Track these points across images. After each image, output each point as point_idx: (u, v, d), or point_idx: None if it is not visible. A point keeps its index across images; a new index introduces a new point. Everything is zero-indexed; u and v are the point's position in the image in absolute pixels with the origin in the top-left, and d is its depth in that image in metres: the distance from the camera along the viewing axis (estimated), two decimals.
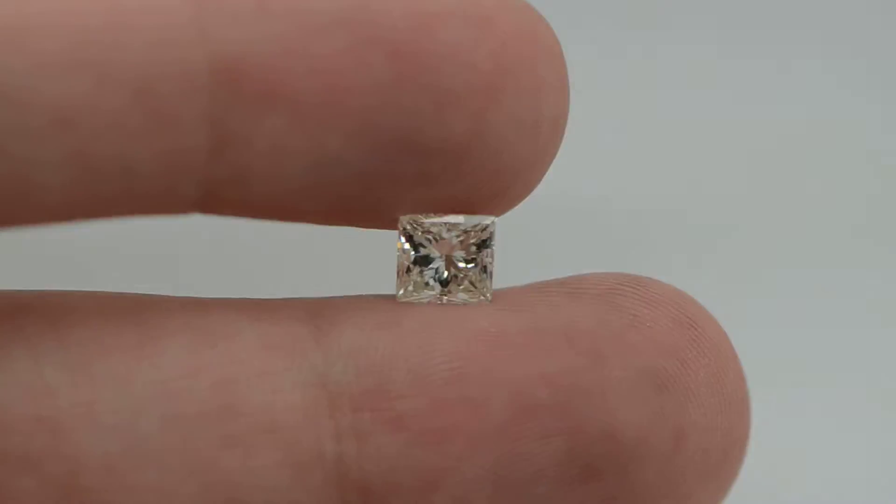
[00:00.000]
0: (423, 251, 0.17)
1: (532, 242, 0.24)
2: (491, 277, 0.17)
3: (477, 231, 0.17)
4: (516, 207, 0.17)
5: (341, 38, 0.15)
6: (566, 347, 0.16)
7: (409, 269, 0.17)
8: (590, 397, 0.16)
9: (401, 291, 0.17)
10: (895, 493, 0.23)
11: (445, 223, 0.17)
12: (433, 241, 0.17)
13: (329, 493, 0.16)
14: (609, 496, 0.16)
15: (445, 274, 0.17)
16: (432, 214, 0.17)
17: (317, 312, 0.17)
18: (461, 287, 0.17)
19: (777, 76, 0.28)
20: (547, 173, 0.17)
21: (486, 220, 0.17)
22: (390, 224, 0.17)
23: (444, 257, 0.17)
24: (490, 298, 0.17)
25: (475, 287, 0.17)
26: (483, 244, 0.17)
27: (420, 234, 0.17)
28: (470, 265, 0.17)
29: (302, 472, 0.16)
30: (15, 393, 0.16)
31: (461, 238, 0.17)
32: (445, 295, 0.17)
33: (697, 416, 0.16)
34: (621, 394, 0.16)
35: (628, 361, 0.16)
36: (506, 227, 0.18)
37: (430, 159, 0.16)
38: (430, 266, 0.17)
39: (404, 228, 0.17)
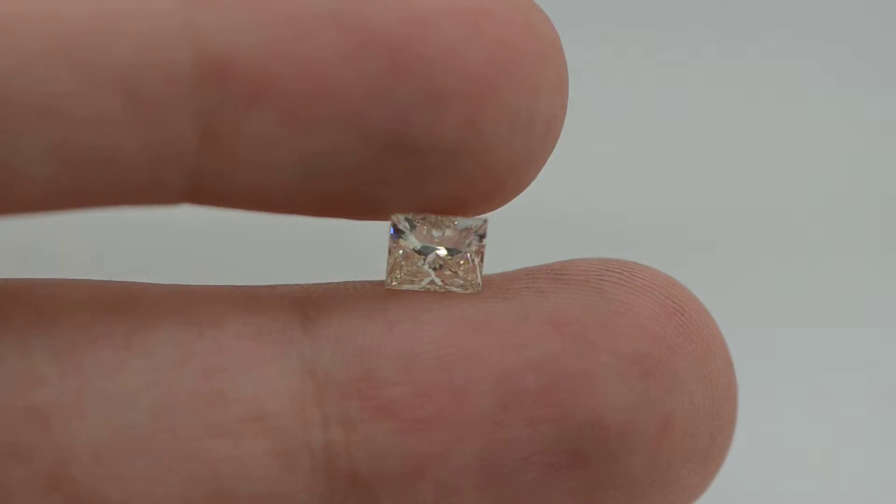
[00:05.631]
0: (413, 246, 0.17)
1: (523, 238, 0.24)
2: (481, 271, 0.17)
3: (469, 231, 0.17)
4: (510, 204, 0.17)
5: (332, 34, 0.15)
6: (553, 334, 0.16)
7: (398, 262, 0.17)
8: (577, 384, 0.16)
9: (393, 283, 0.17)
10: (887, 484, 0.23)
11: (438, 224, 0.17)
12: (424, 236, 0.17)
13: (317, 481, 0.16)
14: (596, 482, 0.16)
15: (435, 268, 0.17)
16: (425, 215, 0.17)
17: (305, 300, 0.17)
18: (450, 278, 0.17)
19: (773, 79, 0.28)
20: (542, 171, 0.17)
21: (479, 220, 0.17)
22: (381, 216, 0.17)
23: (434, 252, 0.17)
24: (480, 289, 0.17)
25: (464, 279, 0.17)
26: (474, 241, 0.17)
27: (411, 230, 0.17)
28: (461, 261, 0.17)
29: (290, 460, 0.16)
30: (4, 382, 0.16)
31: (453, 237, 0.17)
32: (434, 286, 0.17)
33: (684, 402, 0.16)
34: (608, 380, 0.16)
35: (615, 348, 0.16)
36: (498, 222, 0.18)
37: (423, 157, 0.16)
38: (420, 260, 0.17)
39: (395, 224, 0.17)
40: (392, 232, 0.17)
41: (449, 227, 0.17)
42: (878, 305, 0.27)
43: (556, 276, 0.17)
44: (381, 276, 0.17)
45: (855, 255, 0.27)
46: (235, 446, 0.16)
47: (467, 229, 0.17)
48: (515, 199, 0.17)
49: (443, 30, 0.15)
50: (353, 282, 0.17)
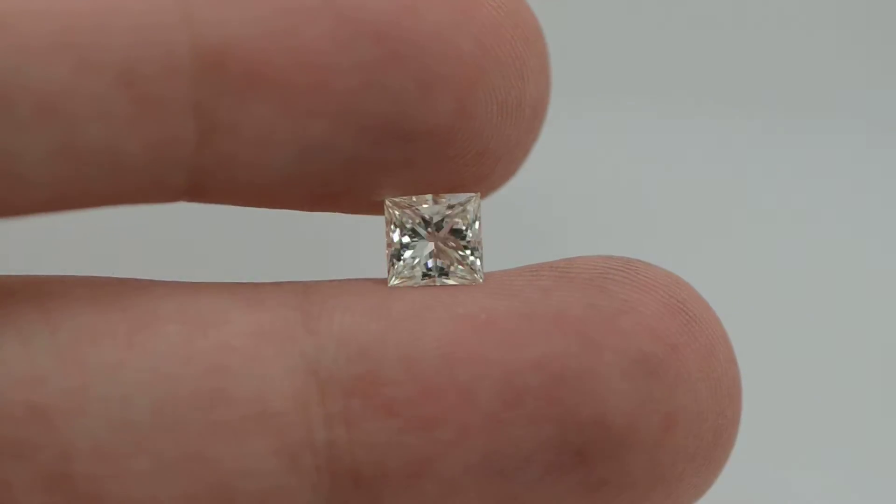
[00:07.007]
0: (411, 235, 0.17)
1: (523, 226, 0.24)
2: (481, 258, 0.17)
3: (461, 207, 0.17)
4: (508, 191, 0.17)
5: (326, 22, 0.15)
6: (556, 333, 0.16)
7: (398, 255, 0.17)
8: (580, 383, 0.16)
9: (393, 279, 0.17)
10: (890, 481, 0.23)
11: (429, 201, 0.17)
12: (420, 224, 0.17)
13: (319, 480, 0.16)
14: (599, 481, 0.16)
15: (434, 259, 0.17)
16: (417, 196, 0.17)
17: (307, 297, 0.17)
18: (451, 269, 0.17)
19: (767, 55, 0.28)
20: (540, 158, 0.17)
21: (470, 195, 0.17)
22: (376, 209, 0.17)
23: (433, 240, 0.17)
24: (482, 279, 0.17)
25: (466, 268, 0.17)
26: (470, 224, 0.17)
27: (406, 216, 0.17)
28: (459, 248, 0.17)
29: (292, 459, 0.16)
30: (6, 380, 0.16)
31: (447, 217, 0.17)
32: (436, 277, 0.17)
33: (688, 401, 0.16)
34: (611, 379, 0.16)
35: (619, 347, 0.16)
36: (495, 210, 0.18)
37: (415, 142, 0.16)
38: (420, 250, 0.17)
39: (390, 212, 0.17)
40: (389, 226, 0.17)
41: (440, 203, 0.17)
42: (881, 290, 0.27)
43: (559, 273, 0.17)
44: (384, 274, 0.17)
45: (856, 253, 0.27)
46: (238, 445, 0.16)
47: (460, 204, 0.17)
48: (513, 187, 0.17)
49: (433, 16, 0.16)
50: (356, 279, 0.17)
